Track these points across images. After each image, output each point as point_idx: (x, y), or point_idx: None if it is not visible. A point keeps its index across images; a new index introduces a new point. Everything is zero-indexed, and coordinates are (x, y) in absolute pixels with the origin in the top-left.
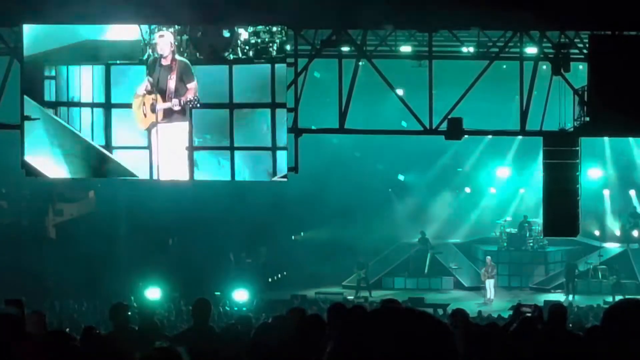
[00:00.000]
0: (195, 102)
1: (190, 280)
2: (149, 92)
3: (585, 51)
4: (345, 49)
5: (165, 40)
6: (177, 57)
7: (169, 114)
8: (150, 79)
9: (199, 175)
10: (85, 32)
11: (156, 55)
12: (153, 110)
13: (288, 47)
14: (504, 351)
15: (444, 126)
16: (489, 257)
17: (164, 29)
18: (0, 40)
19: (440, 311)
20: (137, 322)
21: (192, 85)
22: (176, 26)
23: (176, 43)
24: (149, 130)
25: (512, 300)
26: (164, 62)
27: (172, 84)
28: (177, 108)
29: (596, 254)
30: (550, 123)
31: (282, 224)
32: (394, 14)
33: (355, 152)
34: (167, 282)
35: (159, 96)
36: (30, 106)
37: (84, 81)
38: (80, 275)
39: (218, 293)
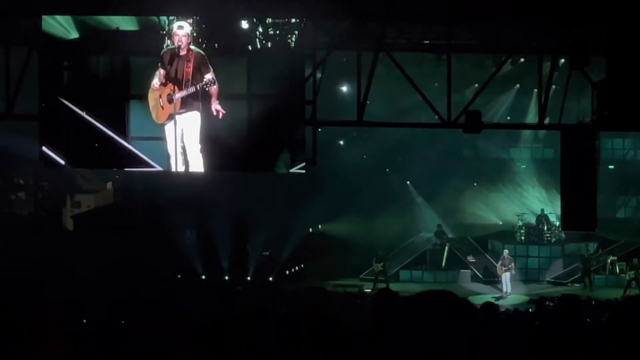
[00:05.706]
0: (211, 84)
1: (207, 274)
2: (164, 84)
3: (604, 45)
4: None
5: (183, 32)
6: (193, 47)
7: (186, 104)
8: (163, 71)
9: (216, 167)
10: (104, 23)
11: (173, 46)
12: (170, 101)
13: (307, 39)
14: None
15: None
16: (506, 251)
17: (183, 20)
18: (18, 30)
19: None
20: None
21: (209, 76)
22: (195, 17)
23: (194, 34)
24: (167, 122)
25: (529, 294)
26: (181, 53)
27: (189, 73)
28: (192, 90)
29: (614, 248)
30: (568, 117)
31: (300, 217)
32: (412, 7)
33: (373, 144)
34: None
35: (175, 87)
36: (48, 97)
37: (102, 72)
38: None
39: (240, 288)
